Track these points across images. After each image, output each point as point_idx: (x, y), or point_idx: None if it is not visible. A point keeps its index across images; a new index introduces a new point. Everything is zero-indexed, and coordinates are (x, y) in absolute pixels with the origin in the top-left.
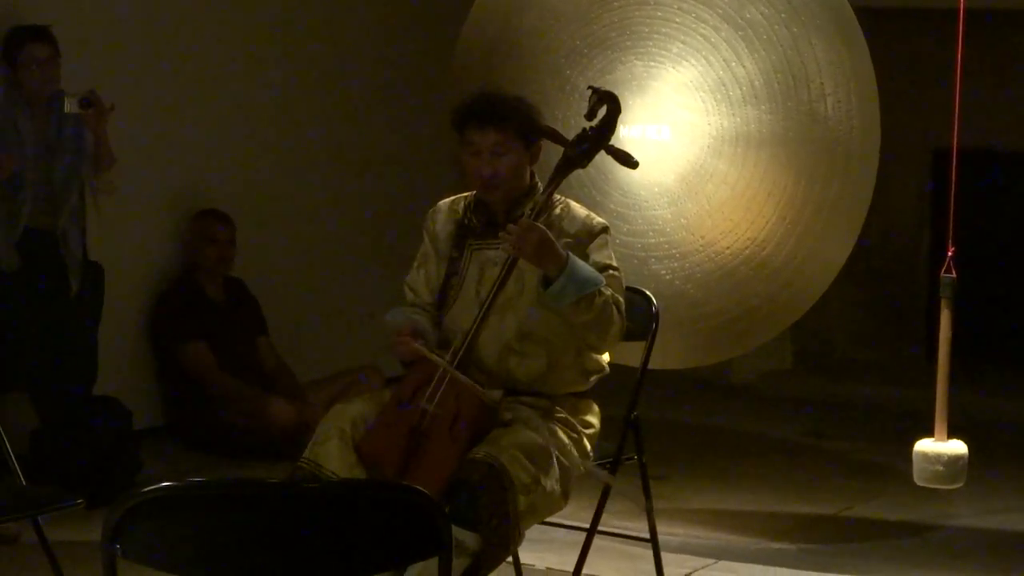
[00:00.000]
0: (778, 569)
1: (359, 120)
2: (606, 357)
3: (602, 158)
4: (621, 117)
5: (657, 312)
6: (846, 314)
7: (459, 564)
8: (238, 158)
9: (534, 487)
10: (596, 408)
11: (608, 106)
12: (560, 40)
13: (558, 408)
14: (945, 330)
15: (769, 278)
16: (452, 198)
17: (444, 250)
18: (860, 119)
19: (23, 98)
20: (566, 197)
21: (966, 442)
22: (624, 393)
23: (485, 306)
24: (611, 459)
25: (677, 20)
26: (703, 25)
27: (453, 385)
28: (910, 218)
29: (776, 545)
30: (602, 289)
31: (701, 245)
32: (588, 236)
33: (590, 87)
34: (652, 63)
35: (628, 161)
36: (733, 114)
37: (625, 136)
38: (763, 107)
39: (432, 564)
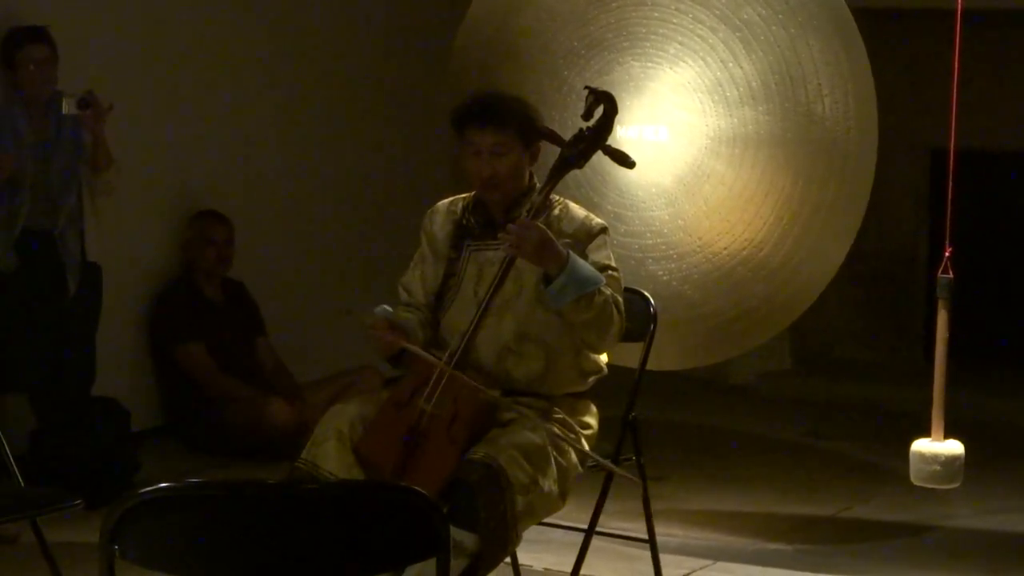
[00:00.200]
0: (776, 570)
1: (357, 121)
2: (604, 358)
3: (599, 158)
4: (618, 118)
5: (655, 313)
6: (844, 315)
7: (457, 565)
8: (236, 159)
9: (532, 488)
10: (594, 409)
11: (605, 106)
12: (557, 41)
13: (556, 409)
14: (942, 330)
15: (767, 279)
16: (450, 199)
17: (442, 251)
18: (857, 119)
19: (21, 99)
20: (563, 198)
21: (963, 442)
22: (622, 394)
23: (483, 306)
24: (609, 460)
25: (674, 21)
26: (700, 26)
27: (451, 386)
28: (908, 219)
29: (774, 546)
30: (602, 288)
31: (698, 246)
32: (587, 236)
33: (587, 87)
34: (649, 64)
35: (625, 161)
36: (730, 115)
37: (622, 137)
38: (760, 108)
39: (430, 565)
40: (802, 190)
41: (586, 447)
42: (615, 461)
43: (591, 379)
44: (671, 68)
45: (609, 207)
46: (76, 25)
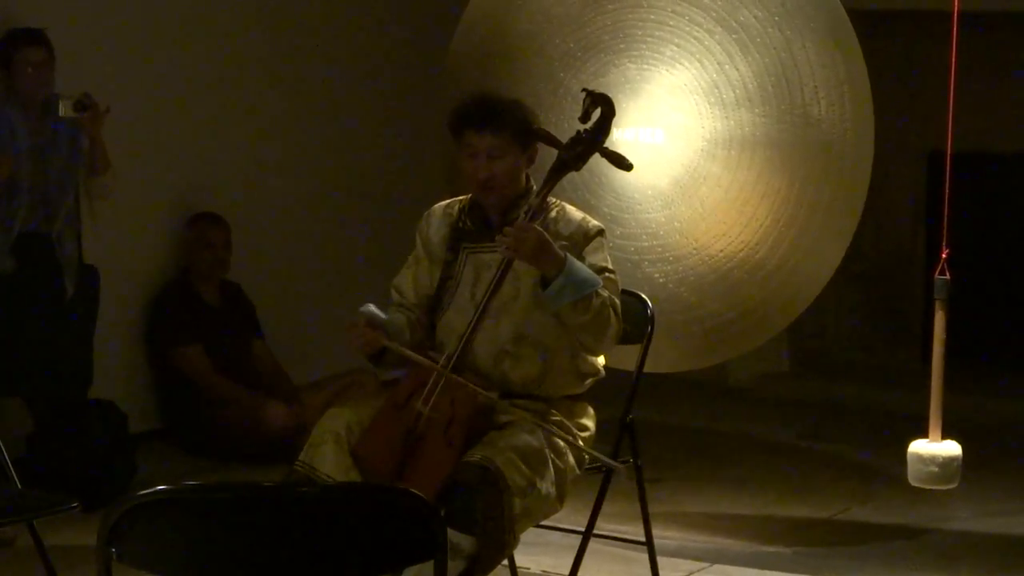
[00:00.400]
0: (773, 572)
1: (354, 125)
2: (601, 360)
3: (596, 161)
4: (614, 120)
5: (653, 315)
6: (842, 316)
7: (454, 567)
8: (233, 162)
9: (529, 490)
10: (591, 411)
11: (602, 109)
12: (553, 43)
13: (553, 411)
14: (939, 331)
15: (763, 281)
16: (447, 201)
17: (438, 254)
18: (854, 122)
19: (18, 101)
20: (560, 200)
21: (961, 444)
22: (620, 396)
23: (480, 309)
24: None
25: (671, 23)
26: (696, 28)
27: (448, 388)
28: (905, 221)
29: (771, 548)
30: (599, 291)
31: (695, 248)
32: (583, 238)
33: (584, 90)
34: (645, 66)
35: (622, 163)
36: (727, 117)
37: (619, 139)
38: (757, 110)
39: (427, 567)
40: (798, 192)
41: (582, 446)
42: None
43: (588, 381)
44: (667, 70)
45: (605, 209)
46: (73, 28)
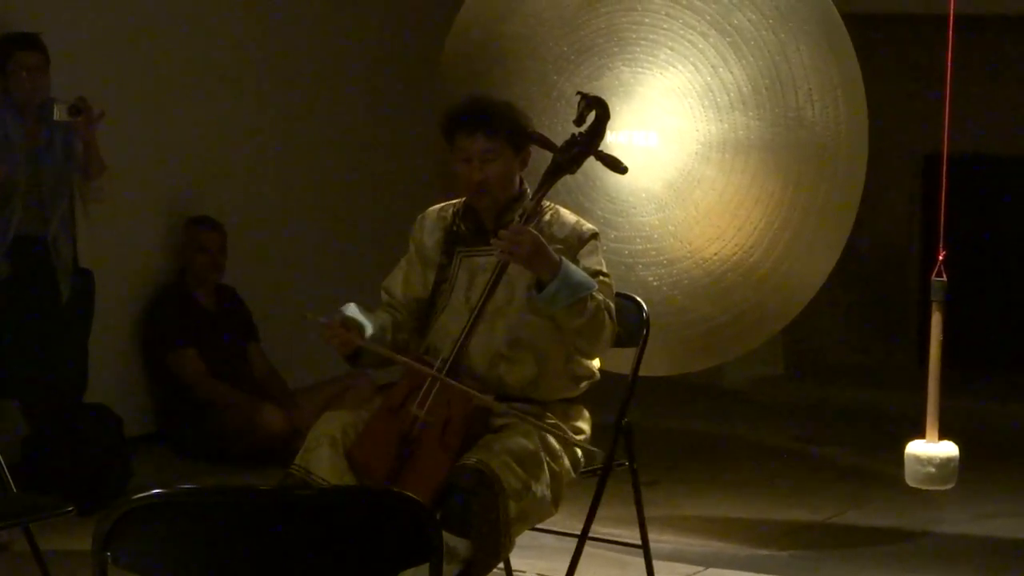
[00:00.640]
0: None
1: (349, 129)
2: (596, 363)
3: (590, 164)
4: (609, 123)
5: (648, 318)
6: (837, 319)
7: (450, 570)
8: (228, 165)
9: (525, 493)
10: (587, 414)
11: (597, 112)
12: (547, 46)
13: (549, 414)
14: (936, 333)
15: (757, 285)
16: (441, 205)
17: (432, 257)
18: (848, 124)
19: (13, 105)
20: (554, 203)
21: (956, 446)
22: (615, 400)
23: (475, 313)
24: (602, 465)
25: (664, 26)
26: (691, 31)
27: (444, 391)
28: (901, 223)
29: (767, 551)
30: (594, 294)
31: (689, 251)
32: (578, 242)
33: (579, 93)
34: (639, 69)
35: (617, 167)
36: (721, 120)
37: (612, 142)
38: (751, 113)
39: (423, 570)
40: (792, 195)
41: (578, 451)
42: (608, 466)
43: (583, 384)
44: (661, 73)
45: (599, 213)
46: (68, 32)
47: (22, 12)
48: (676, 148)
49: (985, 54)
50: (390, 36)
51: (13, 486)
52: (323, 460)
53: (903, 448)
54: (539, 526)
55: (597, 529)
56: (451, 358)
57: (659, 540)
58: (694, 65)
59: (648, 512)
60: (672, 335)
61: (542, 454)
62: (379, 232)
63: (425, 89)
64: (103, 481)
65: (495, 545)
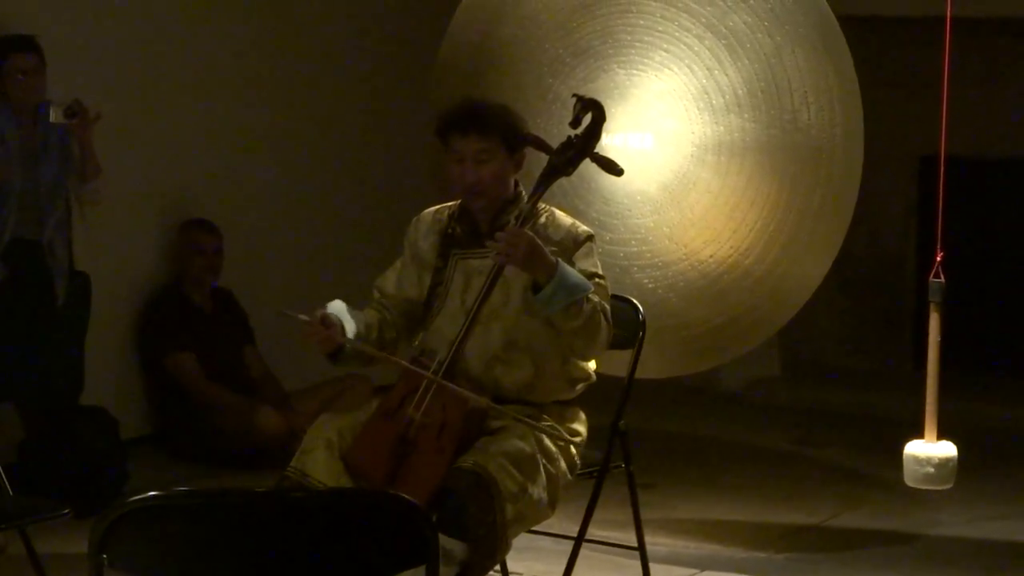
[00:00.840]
0: None
1: (345, 132)
2: (592, 365)
3: (585, 166)
4: (604, 125)
5: (644, 320)
6: (833, 322)
7: (446, 573)
8: (225, 168)
9: (521, 496)
10: (583, 416)
11: (593, 114)
12: (542, 49)
13: (545, 416)
14: (934, 334)
15: (752, 287)
16: (436, 207)
17: (427, 260)
18: (843, 127)
19: (8, 107)
20: (549, 205)
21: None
22: (611, 402)
23: (471, 316)
24: (598, 467)
25: (660, 28)
26: (686, 33)
27: (440, 394)
28: (897, 226)
29: (763, 554)
30: (590, 296)
31: (684, 254)
32: (573, 244)
33: (575, 95)
34: (635, 71)
35: (613, 169)
36: (716, 122)
37: (608, 144)
38: (746, 115)
39: (419, 573)
40: (788, 198)
41: (574, 452)
42: (604, 469)
43: (579, 386)
44: (657, 75)
45: (594, 215)
46: (64, 34)
47: (18, 14)
48: (671, 150)
49: (981, 56)
50: (386, 39)
51: (9, 488)
52: (319, 463)
53: (899, 450)
54: (535, 528)
55: (593, 531)
56: (447, 361)
57: (655, 542)
58: (689, 67)
59: (644, 514)
60: (667, 337)
61: (538, 456)
62: (376, 234)
63: (421, 92)
64: (99, 483)
65: (491, 547)
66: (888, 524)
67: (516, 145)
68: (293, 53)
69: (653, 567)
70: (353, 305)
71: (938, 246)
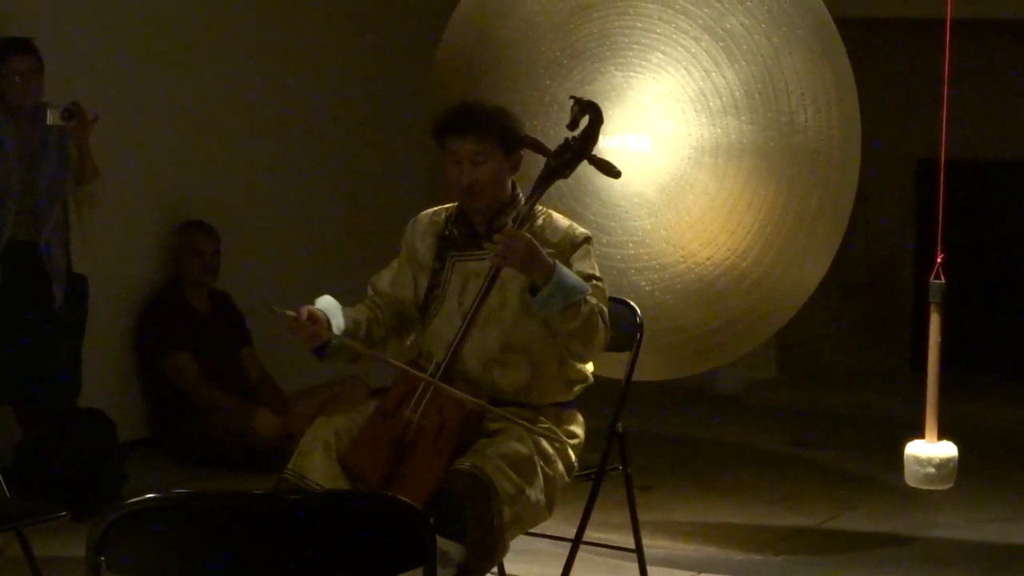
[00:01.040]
0: None
1: (343, 134)
2: (590, 367)
3: (582, 168)
4: (601, 127)
5: (641, 322)
6: (831, 324)
7: (444, 575)
8: (223, 170)
9: (519, 498)
10: (580, 418)
11: (590, 116)
12: (539, 51)
13: (542, 418)
14: (934, 334)
15: (749, 290)
16: (433, 209)
17: (424, 262)
18: (840, 129)
19: (6, 110)
20: (546, 207)
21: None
22: (609, 405)
23: (468, 318)
24: (596, 470)
25: (657, 31)
26: (683, 35)
27: (437, 396)
28: (894, 228)
29: (760, 556)
30: (588, 298)
31: (681, 256)
32: (570, 246)
33: (572, 97)
34: (632, 73)
35: (610, 171)
36: (713, 124)
37: (605, 146)
38: (743, 117)
39: (417, 575)
40: (785, 200)
41: (571, 454)
42: (602, 471)
43: (577, 388)
44: (654, 77)
45: (592, 217)
46: (62, 36)
47: (15, 16)
48: (669, 152)
49: (979, 58)
50: (384, 42)
51: (7, 491)
52: (316, 465)
53: (897, 452)
54: (533, 530)
55: (591, 534)
56: (444, 363)
57: (653, 545)
58: (687, 69)
59: (642, 517)
60: (665, 340)
61: (536, 459)
62: (374, 237)
63: (419, 95)
64: (97, 485)
65: (489, 549)
66: (886, 526)
67: (513, 147)
68: (291, 56)
69: (651, 569)
70: (349, 304)
71: (938, 247)
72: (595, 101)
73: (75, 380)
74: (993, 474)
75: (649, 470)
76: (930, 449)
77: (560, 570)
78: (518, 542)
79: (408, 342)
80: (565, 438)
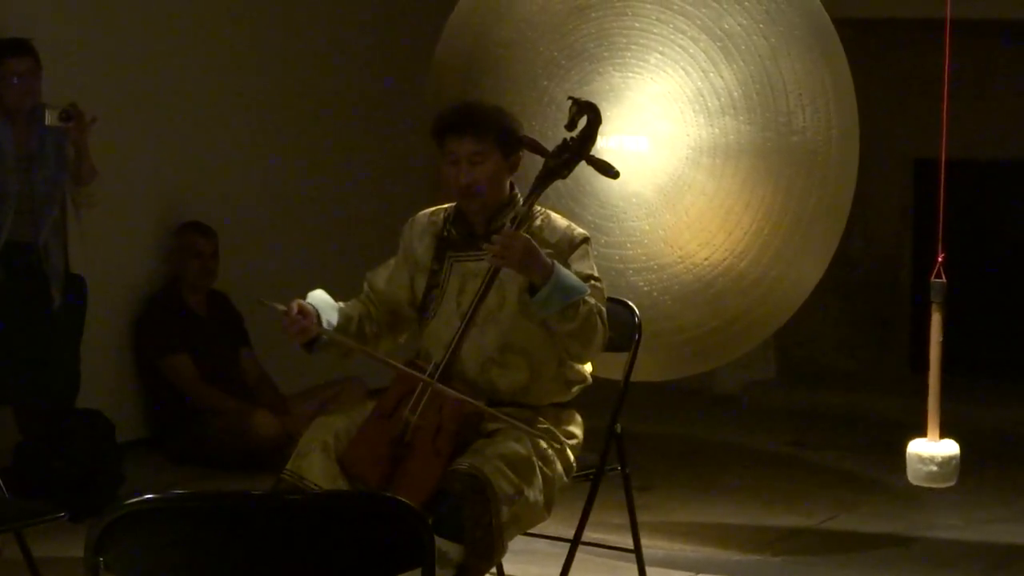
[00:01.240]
0: None
1: (341, 135)
2: (588, 368)
3: (580, 169)
4: (599, 128)
5: (640, 323)
6: (829, 324)
7: (442, 575)
8: (221, 171)
9: (517, 498)
10: (579, 419)
11: (589, 116)
12: (537, 51)
13: (541, 419)
14: (936, 334)
15: (747, 290)
16: (431, 209)
17: (422, 262)
18: (838, 129)
19: (4, 111)
20: (544, 208)
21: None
22: (607, 405)
23: (466, 318)
24: (594, 470)
25: (655, 31)
26: (681, 36)
27: (436, 396)
28: (892, 228)
29: (759, 557)
30: (586, 298)
31: (679, 257)
32: (569, 246)
33: (570, 98)
34: (630, 74)
35: (609, 171)
36: (711, 125)
37: (603, 147)
38: (741, 118)
39: (415, 575)
40: (783, 200)
41: (571, 456)
42: (600, 471)
43: (575, 389)
44: (652, 78)
45: (590, 218)
46: (59, 37)
47: (13, 18)
48: (667, 153)
49: (976, 58)
50: (382, 42)
51: (5, 491)
52: (315, 465)
53: (896, 452)
54: (531, 531)
55: (589, 534)
56: (443, 363)
57: (651, 545)
58: (684, 69)
59: (640, 517)
60: (663, 340)
61: (534, 459)
62: (372, 237)
63: (417, 95)
64: (95, 487)
65: (488, 550)
66: (885, 526)
67: (511, 147)
68: (289, 56)
69: (649, 570)
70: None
71: (939, 246)
72: (593, 102)
73: (73, 381)
74: (993, 474)
75: (647, 470)
76: (932, 447)
77: (559, 570)
78: (517, 542)
79: (401, 339)
80: (563, 438)
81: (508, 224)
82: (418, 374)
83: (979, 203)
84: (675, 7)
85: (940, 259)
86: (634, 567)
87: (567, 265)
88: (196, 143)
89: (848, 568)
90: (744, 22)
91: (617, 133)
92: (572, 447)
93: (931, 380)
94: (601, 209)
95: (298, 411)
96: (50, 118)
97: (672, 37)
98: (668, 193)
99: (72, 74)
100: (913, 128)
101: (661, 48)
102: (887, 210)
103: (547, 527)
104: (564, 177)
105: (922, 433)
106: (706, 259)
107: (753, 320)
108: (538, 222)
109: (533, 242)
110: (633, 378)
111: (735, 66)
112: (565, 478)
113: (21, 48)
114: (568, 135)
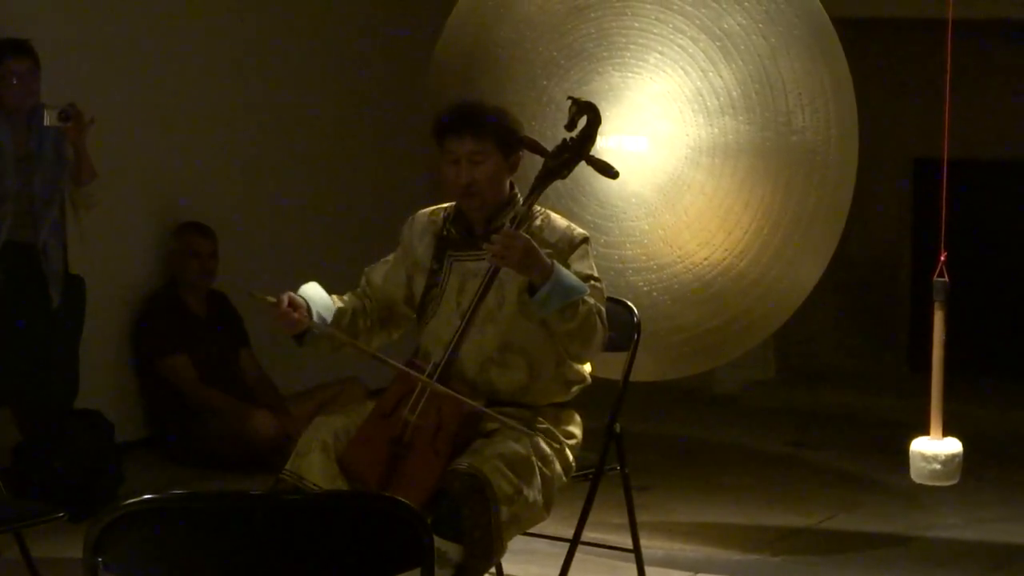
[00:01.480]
0: None
1: (341, 134)
2: (587, 367)
3: (580, 168)
4: (599, 128)
5: (639, 322)
6: (828, 324)
7: (442, 575)
8: (220, 171)
9: (517, 498)
10: (578, 418)
11: (588, 116)
12: (537, 51)
13: (540, 419)
14: (938, 333)
15: (746, 290)
16: (431, 208)
17: (422, 262)
18: (838, 129)
19: (3, 111)
20: (544, 208)
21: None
22: (607, 405)
23: (466, 318)
24: (593, 470)
25: (654, 31)
26: (680, 35)
27: (435, 396)
28: (892, 228)
29: (758, 556)
30: (586, 298)
31: (678, 256)
32: (568, 246)
33: (570, 97)
34: (629, 74)
35: (608, 171)
36: (710, 124)
37: (602, 147)
38: (740, 117)
39: (415, 575)
40: (782, 200)
41: (570, 456)
42: (599, 471)
43: (574, 389)
44: (651, 78)
45: (589, 218)
46: (59, 37)
47: (12, 18)
48: (666, 152)
49: (976, 58)
50: (382, 43)
51: (4, 492)
52: (314, 465)
53: (895, 452)
54: (531, 531)
55: (588, 534)
56: (442, 363)
57: (651, 545)
58: (684, 69)
59: (640, 517)
60: (662, 340)
61: (534, 459)
62: (372, 238)
63: (416, 95)
64: (94, 487)
65: (487, 550)
66: (884, 526)
67: (511, 147)
68: (289, 57)
69: (648, 570)
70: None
71: (942, 246)
72: (592, 101)
73: (72, 381)
74: (993, 474)
75: (647, 470)
76: (935, 446)
77: (558, 570)
78: (516, 542)
79: (395, 336)
80: (563, 438)
81: (508, 224)
82: (417, 374)
83: (979, 203)
84: (674, 7)
85: (942, 258)
86: (633, 567)
87: (567, 265)
88: (195, 144)
89: (848, 568)
90: (743, 22)
91: (616, 133)
92: (571, 447)
93: (934, 379)
94: (600, 209)
95: (297, 411)
96: (49, 118)
97: (671, 37)
98: (667, 193)
99: (72, 74)
100: (913, 128)
101: (660, 48)
102: (887, 210)
103: (546, 527)
104: (564, 177)
105: (922, 432)
106: (705, 259)
107: (753, 319)
108: (538, 222)
109: (533, 242)
110: (632, 378)
111: (734, 66)
112: (564, 478)
113: (20, 49)
114: (568, 135)
